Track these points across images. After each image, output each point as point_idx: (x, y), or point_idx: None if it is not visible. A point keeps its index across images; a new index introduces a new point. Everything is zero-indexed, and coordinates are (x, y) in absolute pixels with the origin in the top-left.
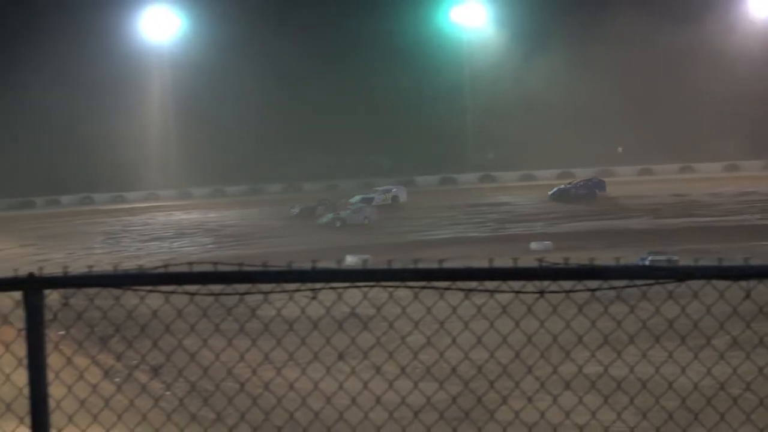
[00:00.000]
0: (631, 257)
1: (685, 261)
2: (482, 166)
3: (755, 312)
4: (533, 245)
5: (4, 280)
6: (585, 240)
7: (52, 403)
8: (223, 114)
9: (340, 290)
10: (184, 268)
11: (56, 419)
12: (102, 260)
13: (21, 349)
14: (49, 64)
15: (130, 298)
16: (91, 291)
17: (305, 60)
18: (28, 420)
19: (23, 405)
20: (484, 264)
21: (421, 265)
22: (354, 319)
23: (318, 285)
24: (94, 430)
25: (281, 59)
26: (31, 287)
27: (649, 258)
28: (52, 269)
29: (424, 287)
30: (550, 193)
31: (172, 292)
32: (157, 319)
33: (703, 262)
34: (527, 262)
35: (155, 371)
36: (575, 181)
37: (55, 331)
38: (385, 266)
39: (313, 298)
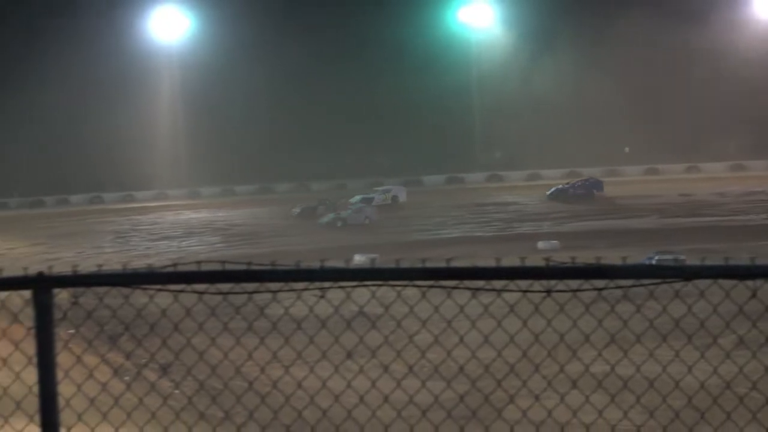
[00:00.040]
0: (637, 257)
1: (691, 260)
2: (489, 165)
3: (761, 311)
4: (540, 244)
5: (14, 278)
6: (592, 239)
7: (61, 402)
8: (232, 114)
9: (348, 289)
10: (193, 267)
11: (66, 417)
12: (111, 259)
13: (31, 347)
14: (59, 64)
15: (139, 296)
16: (101, 290)
17: (313, 60)
18: (37, 418)
19: (33, 403)
20: (491, 263)
21: (428, 265)
22: (362, 318)
23: (326, 284)
24: (103, 429)
25: (289, 60)
26: (41, 286)
27: (656, 257)
28: (61, 268)
29: (431, 286)
30: (548, 193)
31: (181, 291)
32: (166, 318)
33: (709, 262)
34: (534, 261)
35: (164, 370)
36: (573, 181)
37: (65, 329)
38: (392, 265)
39: (322, 297)
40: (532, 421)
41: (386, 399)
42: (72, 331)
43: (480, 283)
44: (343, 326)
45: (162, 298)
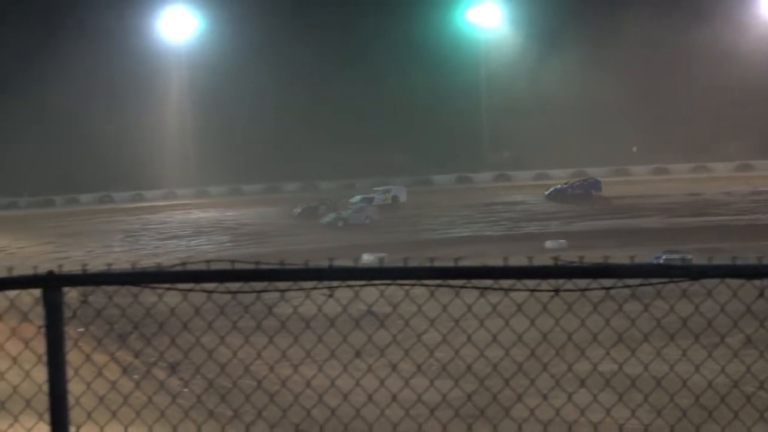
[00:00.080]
0: (645, 256)
1: (698, 260)
2: (498, 165)
3: None
4: (548, 244)
5: (24, 277)
6: (599, 239)
7: (71, 400)
8: (240, 113)
9: (356, 288)
10: (202, 267)
11: (75, 416)
12: (120, 258)
13: (40, 346)
14: (69, 64)
15: (148, 295)
16: (110, 289)
17: (321, 60)
18: (47, 416)
19: (43, 401)
20: (499, 262)
21: (436, 264)
22: (370, 317)
23: (335, 283)
24: (112, 427)
25: (298, 59)
26: (51, 285)
27: (663, 257)
28: (71, 267)
29: (439, 285)
30: (546, 193)
31: (190, 290)
32: (175, 317)
33: (716, 261)
34: (542, 260)
35: (173, 368)
36: (571, 181)
37: (75, 328)
38: (401, 264)
39: (330, 296)
40: (540, 419)
41: (394, 398)
42: (81, 329)
43: (488, 283)
44: (351, 325)
45: (171, 297)
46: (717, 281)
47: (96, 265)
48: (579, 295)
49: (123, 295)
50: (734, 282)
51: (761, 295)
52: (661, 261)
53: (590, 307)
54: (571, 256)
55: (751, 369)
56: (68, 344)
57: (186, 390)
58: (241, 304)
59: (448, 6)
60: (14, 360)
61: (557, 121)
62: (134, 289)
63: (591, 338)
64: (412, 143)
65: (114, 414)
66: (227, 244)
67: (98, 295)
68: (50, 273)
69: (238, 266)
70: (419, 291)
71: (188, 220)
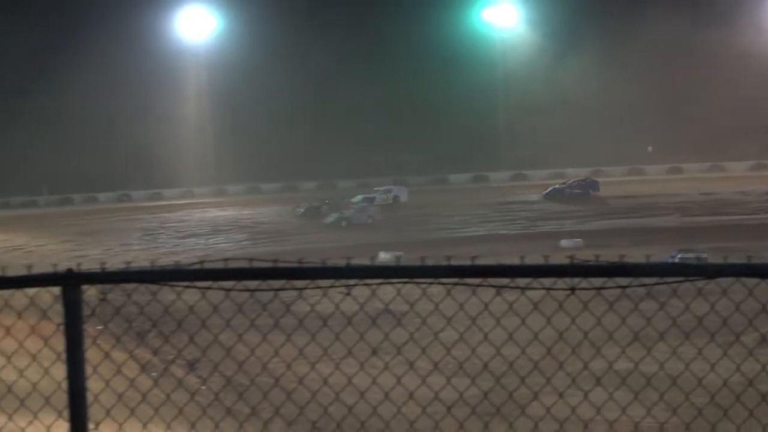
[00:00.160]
0: (660, 255)
1: (714, 259)
2: (514, 164)
3: None
4: (564, 242)
5: (44, 275)
6: (615, 237)
7: (90, 397)
8: (258, 112)
9: (373, 286)
10: (220, 265)
11: (94, 413)
12: (139, 256)
13: (60, 343)
14: (88, 64)
15: (166, 293)
16: (129, 287)
17: (338, 59)
18: (66, 413)
19: (62, 399)
20: (515, 261)
21: (453, 262)
22: (387, 315)
23: (352, 281)
24: (131, 424)
25: (315, 59)
26: (70, 283)
27: (679, 256)
28: (89, 265)
29: (456, 284)
30: (544, 193)
31: (208, 288)
32: (194, 315)
33: (732, 260)
34: (558, 259)
35: (191, 366)
36: (569, 181)
37: (93, 326)
38: (418, 263)
39: (348, 294)
40: (556, 417)
41: (411, 395)
42: (100, 327)
43: (504, 281)
44: (368, 323)
45: (189, 295)
46: (732, 280)
47: (114, 264)
48: (595, 294)
49: (141, 293)
50: (750, 281)
51: None
52: (677, 260)
53: (606, 305)
54: (586, 255)
55: (767, 367)
56: (87, 342)
57: (204, 387)
58: (258, 302)
59: (464, 6)
60: (34, 357)
61: (573, 120)
62: (153, 287)
63: (607, 337)
64: (428, 143)
65: (132, 411)
66: (245, 243)
67: (117, 293)
68: (69, 271)
69: (256, 264)
70: (436, 289)
71: (206, 218)
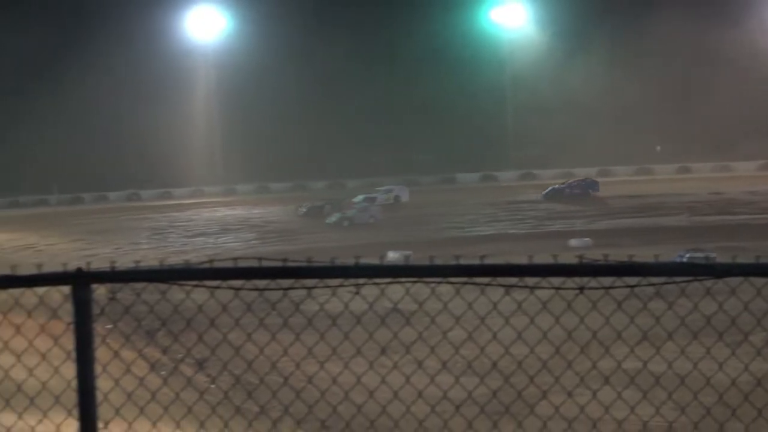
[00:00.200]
0: (668, 254)
1: (722, 258)
2: (523, 163)
3: None
4: (572, 242)
5: (53, 274)
6: (623, 237)
7: (99, 396)
8: (268, 112)
9: (382, 285)
10: (229, 264)
11: (103, 412)
12: (148, 255)
13: (69, 342)
14: (98, 63)
15: (176, 292)
16: (138, 286)
17: (347, 59)
18: (76, 412)
19: (71, 397)
20: (523, 260)
21: (462, 262)
22: (396, 314)
23: (361, 280)
24: (140, 423)
25: (324, 58)
26: (80, 282)
27: (687, 255)
28: (99, 264)
29: (465, 283)
30: (543, 192)
31: (217, 287)
32: (203, 314)
33: (740, 260)
34: (566, 258)
35: (200, 365)
36: (569, 181)
37: (103, 324)
38: (427, 262)
39: (357, 293)
40: (565, 416)
41: (420, 394)
42: (110, 326)
43: (513, 281)
44: (377, 322)
45: (198, 294)
46: (741, 280)
47: (124, 262)
48: (603, 293)
49: (151, 292)
50: (758, 280)
51: None
52: (685, 259)
53: (615, 305)
54: (595, 255)
55: None
56: (96, 341)
57: (213, 386)
58: (268, 301)
59: (472, 6)
60: (43, 356)
61: (582, 120)
62: (162, 286)
63: (615, 336)
64: (437, 142)
65: (142, 410)
66: (254, 242)
67: (126, 292)
68: (79, 270)
69: (265, 263)
70: (445, 288)
71: (215, 217)
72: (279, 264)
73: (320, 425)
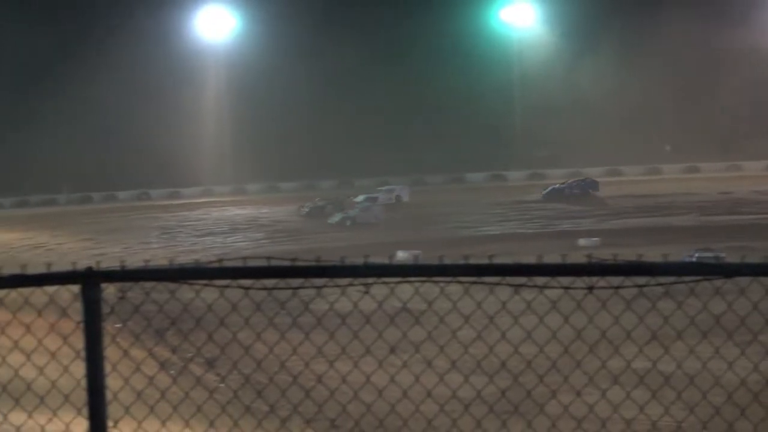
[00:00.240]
0: (677, 254)
1: (731, 258)
2: (532, 163)
3: None
4: (581, 241)
5: (63, 273)
6: (632, 236)
7: (109, 395)
8: (277, 111)
9: (392, 285)
10: (238, 263)
11: (113, 410)
12: (158, 255)
13: (79, 341)
14: (108, 63)
15: (185, 292)
16: (148, 285)
17: (357, 59)
18: (85, 411)
19: (81, 396)
20: (532, 260)
21: (471, 261)
22: (405, 313)
23: (370, 280)
24: (150, 422)
25: (334, 58)
26: (89, 281)
27: (696, 255)
28: (108, 263)
29: (474, 282)
30: (543, 192)
31: (227, 287)
32: (212, 313)
33: (749, 259)
34: (575, 258)
35: (210, 364)
36: (569, 181)
37: (113, 323)
38: (436, 262)
39: (366, 292)
40: (574, 416)
41: (429, 394)
42: (119, 325)
43: (522, 280)
44: (386, 322)
45: (208, 293)
46: (750, 279)
47: (133, 262)
48: (612, 293)
49: (160, 291)
50: (767, 280)
51: None
52: (694, 259)
53: (624, 304)
54: (604, 254)
55: None
56: (106, 340)
57: (222, 385)
58: (277, 301)
59: (481, 5)
60: (53, 355)
61: (591, 119)
62: (171, 286)
63: (624, 335)
64: (446, 142)
65: (151, 409)
66: (263, 241)
67: (136, 291)
68: (89, 269)
69: (274, 263)
70: (454, 288)
71: (224, 217)
72: (288, 263)
73: (330, 424)
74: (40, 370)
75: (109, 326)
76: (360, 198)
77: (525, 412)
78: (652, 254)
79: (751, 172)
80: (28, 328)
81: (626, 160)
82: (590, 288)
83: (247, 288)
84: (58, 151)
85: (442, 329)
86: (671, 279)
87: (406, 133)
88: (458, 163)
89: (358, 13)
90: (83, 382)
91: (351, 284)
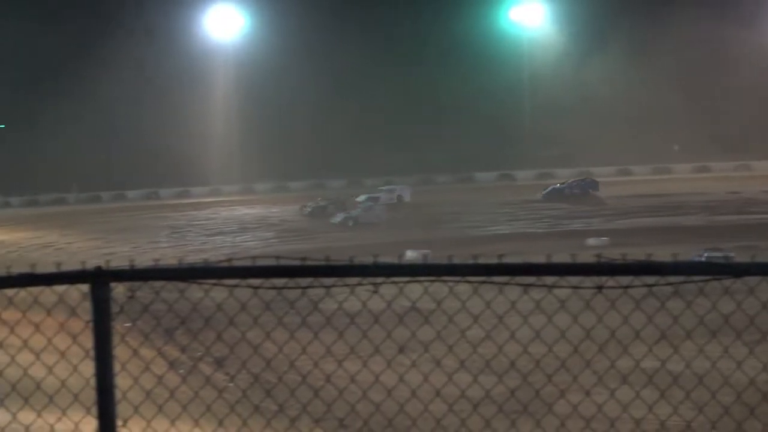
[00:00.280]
0: (686, 253)
1: (740, 257)
2: (541, 163)
3: None
4: (590, 241)
5: (72, 273)
6: (641, 236)
7: (118, 394)
8: (286, 110)
9: (401, 284)
10: (247, 263)
11: (122, 410)
12: (167, 254)
13: (88, 340)
14: (116, 63)
15: (194, 291)
16: (157, 284)
17: (366, 59)
18: (94, 410)
19: (90, 396)
20: (541, 260)
21: (481, 261)
22: (414, 313)
23: (379, 279)
24: (159, 421)
25: (342, 58)
26: (99, 280)
27: (706, 254)
28: (118, 262)
29: (483, 282)
30: (543, 192)
31: (236, 286)
32: (221, 312)
33: (758, 259)
34: (584, 257)
35: (219, 363)
36: (569, 181)
37: (122, 323)
38: (445, 261)
39: (375, 292)
40: (583, 415)
41: (438, 393)
42: (129, 324)
43: (531, 280)
44: (395, 321)
45: (217, 293)
46: (759, 279)
47: (143, 261)
48: (621, 292)
49: (170, 290)
50: None
51: None
52: (704, 259)
53: (633, 304)
54: (613, 254)
55: None
56: (115, 339)
57: (232, 385)
58: (286, 300)
59: (491, 5)
60: (62, 354)
61: (600, 119)
62: (181, 285)
63: (634, 335)
64: (456, 141)
65: (160, 408)
66: (272, 240)
67: (145, 291)
68: (98, 268)
69: (283, 262)
70: (463, 287)
71: (233, 216)
72: (297, 263)
73: (338, 424)
74: (50, 369)
75: (119, 325)
76: (362, 198)
77: (534, 411)
78: (662, 254)
79: (760, 172)
80: (37, 327)
81: (635, 160)
82: (599, 287)
83: (256, 287)
84: (67, 151)
85: (451, 329)
86: (680, 279)
87: (415, 133)
88: (467, 163)
89: (367, 12)
90: (92, 381)
91: (360, 284)
